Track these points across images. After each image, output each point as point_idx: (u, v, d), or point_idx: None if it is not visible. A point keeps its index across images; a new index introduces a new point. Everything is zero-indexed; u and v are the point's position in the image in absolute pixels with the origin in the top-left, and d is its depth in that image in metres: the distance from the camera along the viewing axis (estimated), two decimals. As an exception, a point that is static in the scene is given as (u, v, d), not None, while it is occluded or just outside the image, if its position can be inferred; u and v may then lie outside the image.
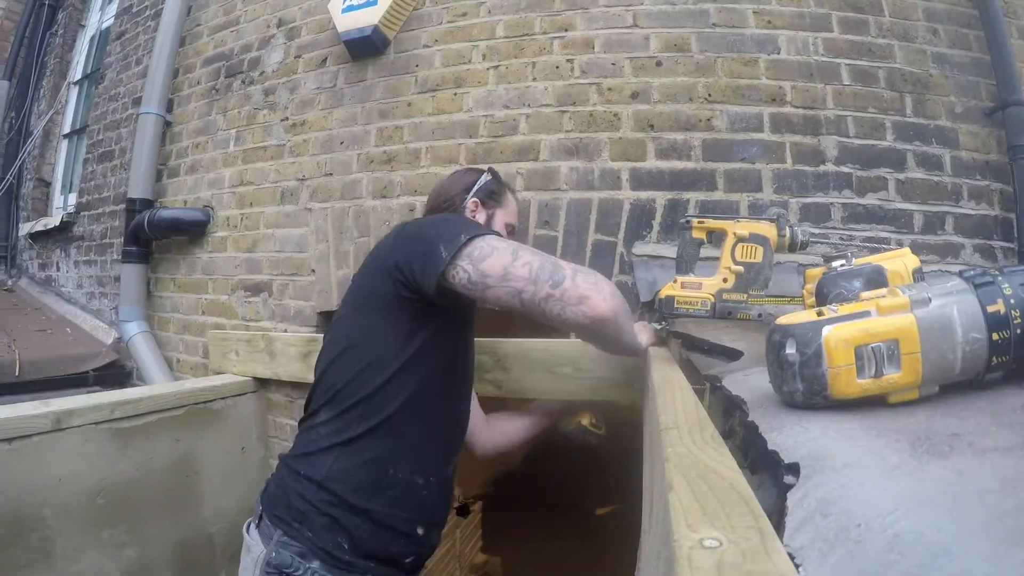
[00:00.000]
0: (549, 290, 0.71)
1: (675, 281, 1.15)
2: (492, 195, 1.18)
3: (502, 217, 1.18)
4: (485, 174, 1.21)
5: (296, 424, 1.80)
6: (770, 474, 0.40)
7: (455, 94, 1.69)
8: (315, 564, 0.76)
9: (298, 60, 1.99)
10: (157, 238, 2.20)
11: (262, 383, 1.80)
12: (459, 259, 0.76)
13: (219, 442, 1.59)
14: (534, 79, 1.60)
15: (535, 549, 3.76)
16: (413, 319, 0.84)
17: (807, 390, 0.47)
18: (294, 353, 1.66)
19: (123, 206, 2.32)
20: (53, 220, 3.02)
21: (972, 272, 0.50)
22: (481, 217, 1.13)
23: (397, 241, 0.92)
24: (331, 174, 1.84)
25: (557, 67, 1.58)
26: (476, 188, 1.15)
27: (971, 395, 0.45)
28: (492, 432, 1.26)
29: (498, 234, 0.87)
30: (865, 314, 0.48)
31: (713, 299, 1.11)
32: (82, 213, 2.83)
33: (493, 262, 0.74)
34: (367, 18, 1.75)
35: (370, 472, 0.80)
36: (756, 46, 1.47)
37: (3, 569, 0.99)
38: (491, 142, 1.61)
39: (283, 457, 0.91)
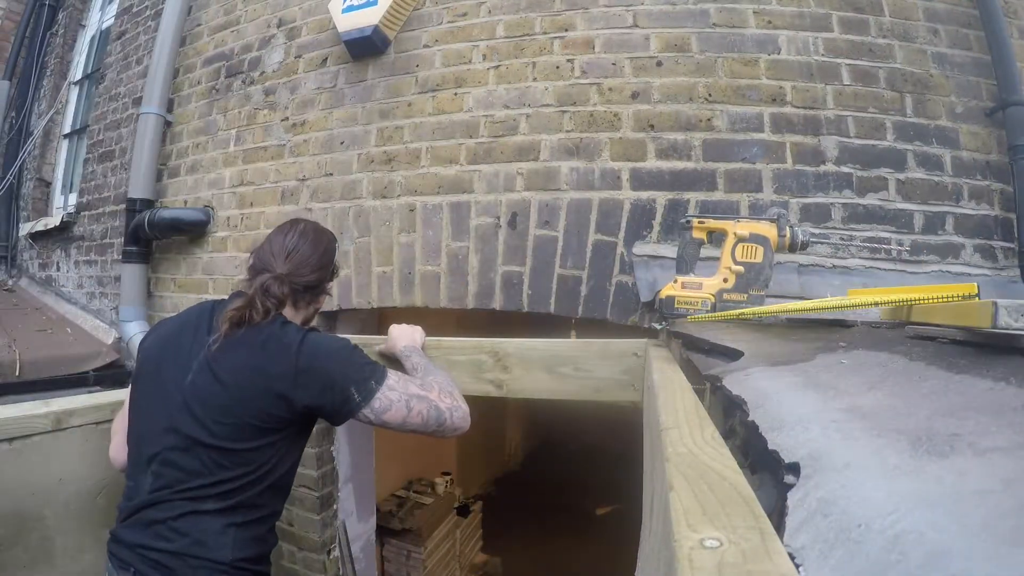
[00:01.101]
0: (435, 429, 1.01)
1: (675, 281, 1.15)
2: (336, 272, 1.18)
3: None
4: (337, 247, 1.17)
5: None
6: (770, 474, 0.40)
7: (455, 94, 1.69)
8: None
9: (298, 60, 1.99)
10: (157, 238, 2.20)
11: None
12: (364, 407, 0.96)
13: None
14: (534, 79, 1.60)
15: (535, 549, 3.77)
16: (299, 431, 1.00)
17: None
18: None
19: (123, 206, 2.32)
20: (53, 220, 3.02)
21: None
22: (326, 296, 1.18)
23: (296, 375, 0.93)
24: (331, 174, 1.84)
25: (557, 67, 1.58)
26: (332, 268, 1.15)
27: (971, 395, 0.45)
28: None
29: (387, 373, 1.00)
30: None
31: (713, 299, 1.11)
32: (82, 213, 2.83)
33: (392, 415, 0.97)
34: (367, 18, 1.75)
35: (260, 544, 0.96)
36: (756, 46, 1.47)
37: (5, 568, 0.99)
38: (491, 142, 1.61)
39: (166, 549, 0.88)
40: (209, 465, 0.90)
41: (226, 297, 1.08)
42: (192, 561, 0.87)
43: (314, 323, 1.17)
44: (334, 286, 1.19)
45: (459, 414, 1.03)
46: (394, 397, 0.98)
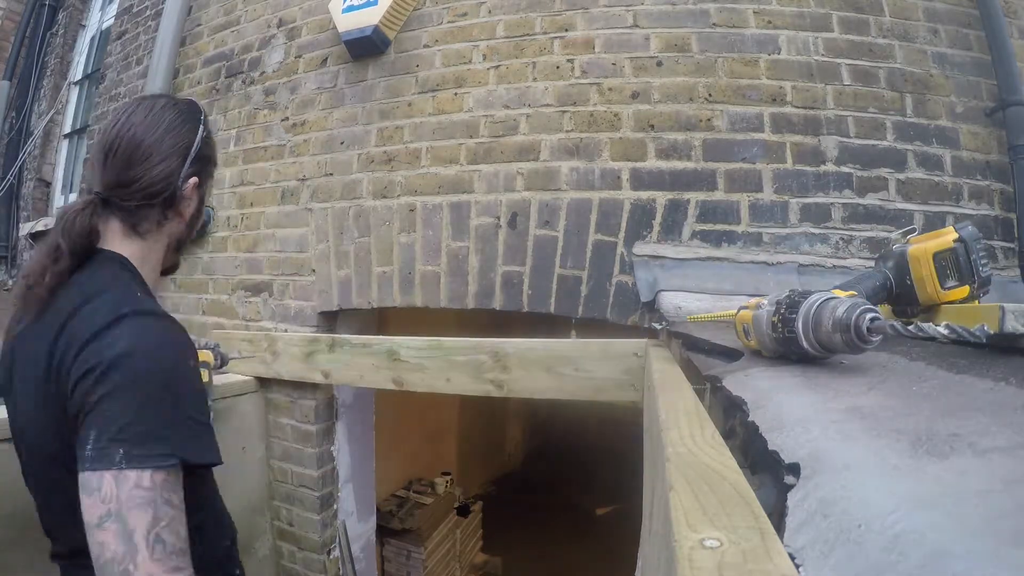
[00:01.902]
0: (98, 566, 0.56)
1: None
2: (209, 160, 0.80)
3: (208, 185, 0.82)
4: (201, 123, 0.77)
5: (291, 426, 1.81)
6: (771, 474, 0.40)
7: (455, 94, 1.69)
8: None
9: (298, 60, 1.99)
10: (157, 238, 2.20)
11: (263, 383, 1.80)
12: (87, 471, 0.56)
13: (220, 441, 1.58)
14: (534, 79, 1.60)
15: (535, 549, 3.77)
16: None
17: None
18: (296, 353, 1.66)
19: (123, 206, 2.32)
20: (53, 220, 3.02)
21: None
22: (194, 201, 0.78)
23: (72, 388, 0.58)
24: (331, 174, 1.84)
25: (557, 67, 1.58)
26: (194, 154, 0.75)
27: (971, 395, 0.45)
28: None
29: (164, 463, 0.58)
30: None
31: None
32: (82, 213, 2.82)
33: (91, 511, 0.55)
34: (367, 18, 1.75)
35: None
36: (756, 46, 1.47)
37: (5, 569, 0.99)
38: (491, 142, 1.61)
39: None
40: (61, 526, 0.65)
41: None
42: None
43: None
44: (210, 193, 0.82)
45: None
46: (135, 496, 0.55)
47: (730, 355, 0.78)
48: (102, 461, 0.55)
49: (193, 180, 0.76)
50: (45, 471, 0.64)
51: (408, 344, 1.42)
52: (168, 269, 0.81)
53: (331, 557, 1.87)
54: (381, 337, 1.48)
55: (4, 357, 0.68)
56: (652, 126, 1.48)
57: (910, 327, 0.51)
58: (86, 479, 0.55)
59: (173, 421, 0.60)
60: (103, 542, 0.54)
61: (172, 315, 0.69)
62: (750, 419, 0.47)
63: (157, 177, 0.70)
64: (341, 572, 1.90)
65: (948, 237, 0.77)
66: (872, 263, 1.38)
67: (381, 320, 2.21)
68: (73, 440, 0.58)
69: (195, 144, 0.75)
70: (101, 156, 0.70)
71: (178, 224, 0.77)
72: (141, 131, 0.70)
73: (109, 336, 0.59)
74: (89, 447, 0.56)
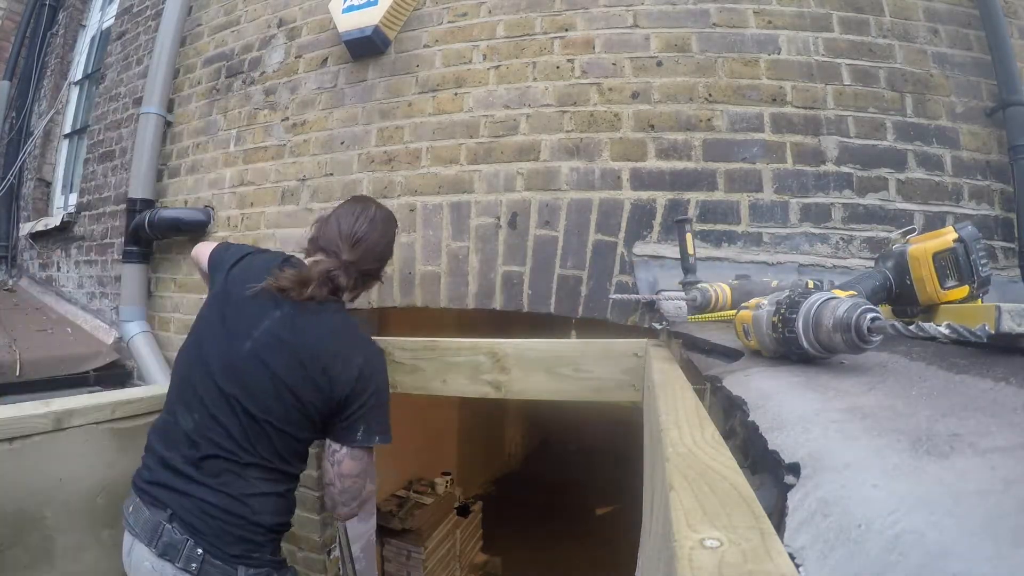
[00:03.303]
0: (329, 505, 1.10)
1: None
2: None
3: None
4: (396, 232, 1.21)
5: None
6: (771, 474, 0.40)
7: (456, 94, 1.69)
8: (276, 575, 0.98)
9: (299, 60, 1.99)
10: (158, 238, 2.20)
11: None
12: (349, 446, 1.01)
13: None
14: (534, 79, 1.60)
15: (535, 549, 3.77)
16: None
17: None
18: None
19: (124, 206, 2.32)
20: (54, 220, 3.02)
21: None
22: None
23: (352, 390, 0.99)
24: (332, 174, 1.84)
25: (557, 67, 1.58)
26: (391, 255, 1.20)
27: (971, 395, 0.45)
28: None
29: (386, 438, 1.09)
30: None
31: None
32: (83, 213, 2.83)
33: (343, 468, 1.03)
34: (368, 18, 1.75)
35: (291, 508, 1.04)
36: (756, 46, 1.47)
37: (5, 569, 0.99)
38: (491, 142, 1.61)
39: (200, 495, 0.91)
40: (254, 439, 0.93)
41: (285, 254, 1.11)
42: (236, 520, 0.90)
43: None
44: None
45: (346, 511, 1.10)
46: (362, 463, 1.04)
47: (730, 355, 0.78)
48: (366, 442, 1.05)
49: (385, 272, 1.18)
50: (276, 417, 0.95)
51: (402, 345, 1.41)
52: None
53: (331, 557, 1.87)
54: (375, 338, 1.48)
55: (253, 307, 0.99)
56: (652, 126, 1.48)
57: (910, 327, 0.51)
58: (352, 451, 1.04)
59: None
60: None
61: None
62: (750, 419, 0.47)
63: (376, 267, 1.11)
64: (341, 572, 1.90)
65: (948, 237, 0.77)
66: (872, 263, 1.38)
67: (381, 320, 2.21)
68: (329, 408, 1.00)
69: (392, 249, 1.17)
70: (351, 240, 1.05)
71: (363, 291, 1.16)
72: (379, 236, 1.10)
73: (375, 362, 1.04)
74: (361, 433, 1.03)
